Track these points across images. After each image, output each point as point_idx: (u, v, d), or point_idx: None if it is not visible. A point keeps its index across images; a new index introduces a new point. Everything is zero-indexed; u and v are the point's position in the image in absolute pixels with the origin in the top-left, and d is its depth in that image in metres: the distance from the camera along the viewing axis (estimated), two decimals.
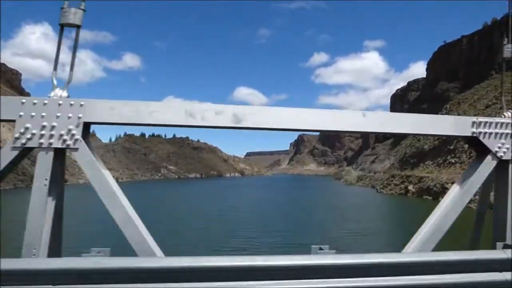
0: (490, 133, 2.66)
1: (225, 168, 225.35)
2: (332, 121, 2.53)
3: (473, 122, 2.66)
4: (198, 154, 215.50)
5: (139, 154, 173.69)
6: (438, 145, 71.81)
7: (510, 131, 2.68)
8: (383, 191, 65.89)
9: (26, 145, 2.25)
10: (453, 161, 61.05)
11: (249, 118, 2.39)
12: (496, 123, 2.68)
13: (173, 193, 66.11)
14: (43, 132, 2.27)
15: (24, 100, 2.28)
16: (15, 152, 2.25)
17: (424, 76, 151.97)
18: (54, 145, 2.31)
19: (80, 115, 2.31)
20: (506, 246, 2.36)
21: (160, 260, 2.02)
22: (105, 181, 2.36)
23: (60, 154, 2.39)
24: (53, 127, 2.29)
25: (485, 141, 2.64)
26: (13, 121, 2.26)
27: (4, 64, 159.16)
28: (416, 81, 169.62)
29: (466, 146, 59.96)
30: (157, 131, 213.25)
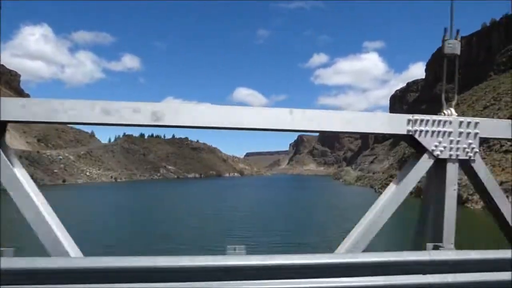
0: (426, 131, 2.55)
1: (224, 168, 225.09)
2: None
3: (409, 120, 2.55)
4: (197, 154, 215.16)
5: (138, 155, 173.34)
6: None
7: (448, 129, 2.57)
8: (381, 191, 65.77)
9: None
10: None
11: (166, 116, 2.31)
12: (433, 121, 2.58)
13: (171, 193, 65.96)
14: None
15: None
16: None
17: (423, 77, 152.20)
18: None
19: None
20: (435, 247, 2.30)
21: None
22: (18, 181, 2.32)
23: None
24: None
25: (421, 139, 2.54)
26: None
27: (3, 65, 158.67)
28: (415, 82, 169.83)
29: None
30: (155, 131, 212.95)
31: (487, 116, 54.68)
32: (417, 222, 2.84)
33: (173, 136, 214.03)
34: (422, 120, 2.56)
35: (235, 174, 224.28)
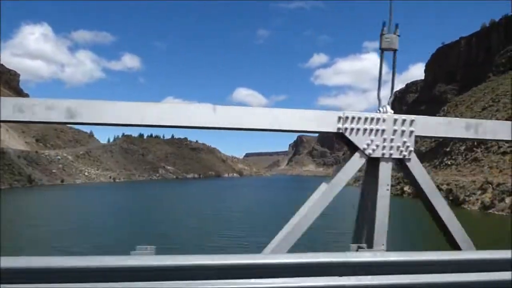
0: (358, 129, 2.44)
1: (224, 169, 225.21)
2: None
3: (339, 117, 2.44)
4: (196, 154, 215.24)
5: (137, 155, 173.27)
6: (434, 147, 72.15)
7: (381, 127, 2.46)
8: None
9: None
10: (449, 163, 61.39)
11: (83, 113, 2.24)
12: (366, 119, 2.45)
13: (169, 193, 65.93)
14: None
15: None
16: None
17: (423, 78, 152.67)
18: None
19: None
20: (360, 248, 2.26)
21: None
22: None
23: None
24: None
25: (352, 137, 2.44)
26: None
27: (2, 65, 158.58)
28: (414, 83, 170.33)
29: (463, 148, 60.45)
30: (154, 132, 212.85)
31: (485, 118, 54.83)
32: (355, 222, 2.74)
33: (172, 136, 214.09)
34: (353, 118, 2.45)
35: (234, 174, 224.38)
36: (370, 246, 2.44)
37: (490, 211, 37.07)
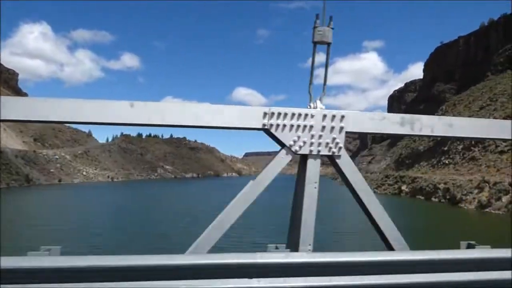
0: (284, 125, 2.37)
1: (222, 168, 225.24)
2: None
3: (265, 113, 2.36)
4: (195, 154, 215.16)
5: (136, 154, 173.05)
6: (432, 146, 72.38)
7: (309, 123, 2.39)
8: (377, 191, 66.41)
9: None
10: (446, 162, 61.58)
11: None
12: (293, 114, 2.37)
13: (167, 192, 65.89)
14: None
15: None
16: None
17: (422, 77, 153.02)
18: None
19: None
20: (276, 248, 2.21)
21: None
22: None
23: None
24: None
25: (278, 134, 2.37)
26: None
27: (1, 64, 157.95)
28: (413, 82, 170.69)
29: (460, 147, 60.64)
30: (153, 131, 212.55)
31: (483, 117, 55.04)
32: (289, 221, 2.67)
33: (171, 136, 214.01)
34: (279, 114, 2.36)
35: (233, 174, 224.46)
36: (297, 246, 2.37)
37: (487, 210, 37.21)
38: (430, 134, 2.57)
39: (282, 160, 2.43)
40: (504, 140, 2.90)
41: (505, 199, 36.67)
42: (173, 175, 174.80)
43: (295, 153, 2.40)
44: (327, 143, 2.41)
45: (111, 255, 2.00)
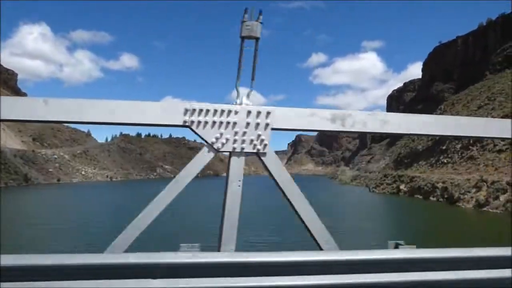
0: (206, 122, 2.30)
1: (222, 168, 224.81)
2: None
3: (186, 110, 2.28)
4: (194, 154, 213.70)
5: (135, 154, 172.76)
6: (431, 145, 72.50)
7: (232, 120, 2.32)
8: (375, 190, 66.50)
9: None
10: (445, 161, 61.68)
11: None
12: (215, 111, 2.30)
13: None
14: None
15: None
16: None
17: (421, 77, 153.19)
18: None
19: None
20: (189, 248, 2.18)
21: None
22: None
23: None
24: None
25: (199, 130, 2.31)
26: None
27: (0, 64, 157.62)
28: (412, 82, 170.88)
29: (459, 146, 60.73)
30: (153, 131, 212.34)
31: (481, 116, 55.12)
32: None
33: (170, 135, 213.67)
34: (201, 110, 2.29)
35: None
36: (219, 246, 2.31)
37: (485, 209, 37.29)
38: (363, 130, 2.50)
39: (204, 157, 2.36)
40: (445, 137, 2.82)
41: (502, 198, 36.77)
42: (172, 175, 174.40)
43: (217, 150, 2.33)
44: (252, 140, 2.34)
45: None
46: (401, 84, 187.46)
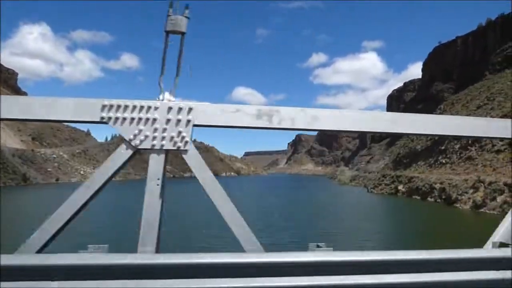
0: (124, 118, 2.24)
1: (221, 168, 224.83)
2: None
3: (103, 106, 2.23)
4: None
5: None
6: (430, 145, 72.53)
7: (152, 116, 2.26)
8: (374, 191, 66.44)
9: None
10: (443, 161, 61.67)
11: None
12: (134, 107, 2.25)
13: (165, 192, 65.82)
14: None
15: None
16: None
17: (421, 76, 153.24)
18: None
19: None
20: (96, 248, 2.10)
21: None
22: None
23: None
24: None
25: (117, 127, 2.25)
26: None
27: (0, 64, 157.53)
28: (412, 82, 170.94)
29: (457, 146, 60.76)
30: None
31: (480, 116, 55.12)
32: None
33: None
34: (119, 106, 2.23)
35: (232, 173, 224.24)
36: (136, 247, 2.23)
37: (482, 210, 37.18)
38: (291, 127, 2.40)
39: (122, 155, 2.29)
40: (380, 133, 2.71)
41: (500, 199, 36.68)
42: (171, 175, 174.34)
43: (135, 147, 2.26)
44: (172, 137, 2.28)
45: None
46: (401, 84, 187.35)
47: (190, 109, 2.30)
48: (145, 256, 1.99)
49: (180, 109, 2.29)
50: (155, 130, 2.27)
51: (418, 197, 51.04)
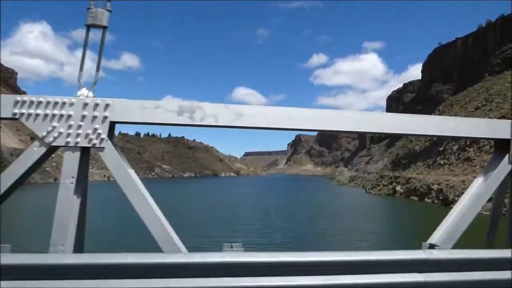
0: (37, 115, 2.19)
1: (221, 168, 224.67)
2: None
3: (16, 102, 2.18)
4: (193, 153, 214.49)
5: (133, 153, 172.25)
6: (429, 146, 72.59)
7: (66, 113, 2.21)
8: (372, 192, 66.47)
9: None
10: (442, 162, 61.70)
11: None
12: (48, 103, 2.21)
13: (164, 192, 65.78)
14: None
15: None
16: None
17: (420, 78, 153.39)
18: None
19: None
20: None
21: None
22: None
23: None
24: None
25: (30, 123, 2.19)
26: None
27: (0, 63, 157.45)
28: (411, 83, 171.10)
29: (456, 147, 60.83)
30: (151, 130, 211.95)
31: (478, 117, 55.08)
32: None
33: (169, 135, 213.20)
34: (32, 102, 2.18)
35: (231, 173, 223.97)
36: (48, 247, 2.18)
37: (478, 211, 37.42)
38: (214, 124, 2.36)
39: (34, 152, 2.23)
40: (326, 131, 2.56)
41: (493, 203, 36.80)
42: (170, 175, 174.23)
43: (49, 144, 2.22)
44: (87, 134, 2.23)
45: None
46: (401, 85, 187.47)
47: (107, 106, 2.26)
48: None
49: (96, 105, 2.25)
50: (70, 126, 2.23)
51: (416, 198, 51.16)
